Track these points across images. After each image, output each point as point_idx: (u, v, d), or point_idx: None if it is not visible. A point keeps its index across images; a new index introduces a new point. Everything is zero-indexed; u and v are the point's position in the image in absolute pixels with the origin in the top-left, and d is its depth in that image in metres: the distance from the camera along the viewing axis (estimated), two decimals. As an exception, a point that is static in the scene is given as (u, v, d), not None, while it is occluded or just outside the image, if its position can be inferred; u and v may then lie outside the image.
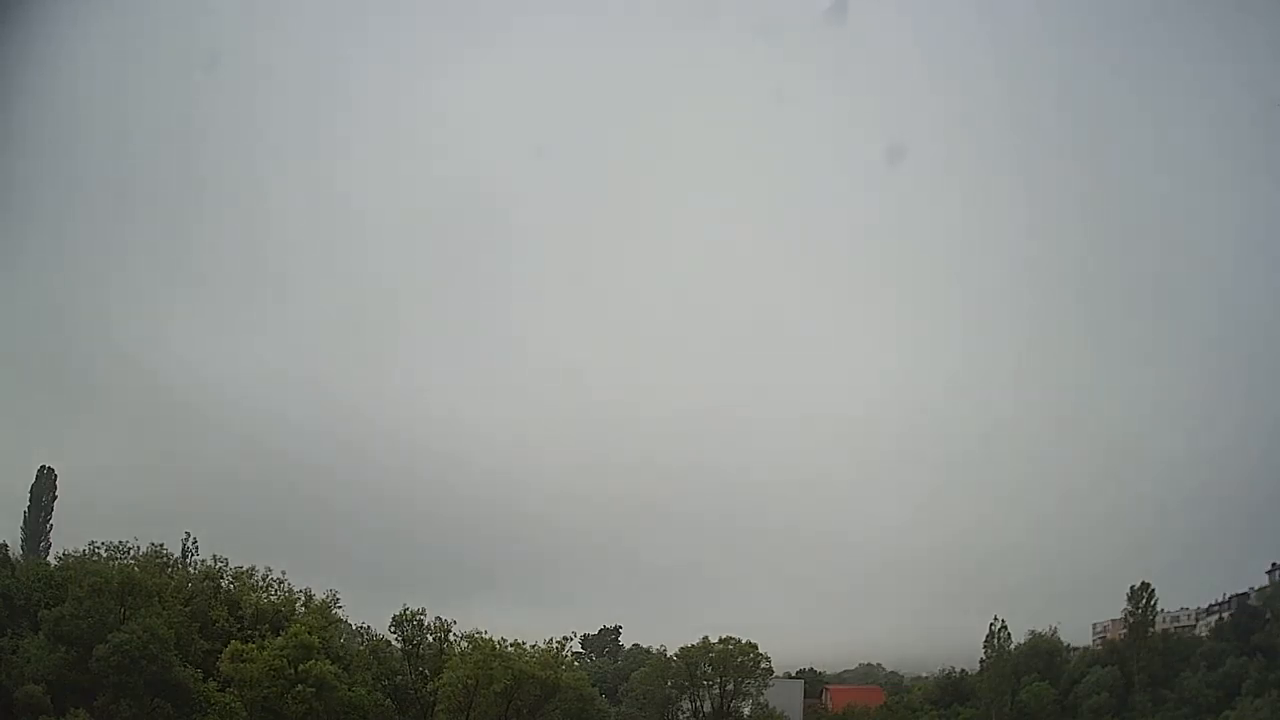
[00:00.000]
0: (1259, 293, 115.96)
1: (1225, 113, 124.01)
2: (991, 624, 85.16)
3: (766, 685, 77.48)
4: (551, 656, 69.78)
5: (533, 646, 69.53)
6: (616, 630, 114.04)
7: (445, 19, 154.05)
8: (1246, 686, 75.29)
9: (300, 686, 59.35)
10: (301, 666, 59.87)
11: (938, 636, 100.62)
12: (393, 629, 69.98)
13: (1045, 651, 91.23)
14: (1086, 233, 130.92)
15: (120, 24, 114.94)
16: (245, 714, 59.81)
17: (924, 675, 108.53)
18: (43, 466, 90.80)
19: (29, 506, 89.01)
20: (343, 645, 69.91)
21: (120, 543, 70.27)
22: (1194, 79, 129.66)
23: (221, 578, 71.66)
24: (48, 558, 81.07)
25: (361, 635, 73.73)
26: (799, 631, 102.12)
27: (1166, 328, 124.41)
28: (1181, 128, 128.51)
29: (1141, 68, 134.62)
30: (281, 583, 73.02)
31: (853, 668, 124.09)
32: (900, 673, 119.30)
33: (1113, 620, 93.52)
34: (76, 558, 70.05)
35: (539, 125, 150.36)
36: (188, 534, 78.15)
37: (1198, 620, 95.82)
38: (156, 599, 62.66)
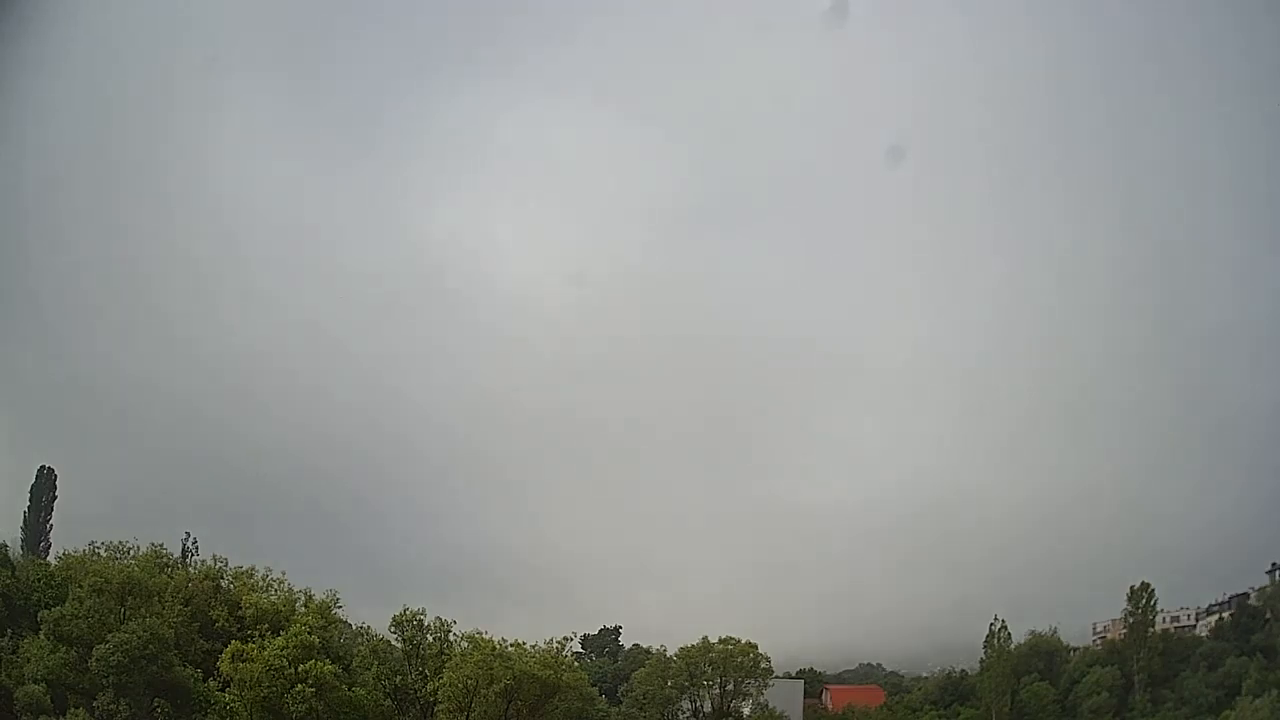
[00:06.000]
0: (1259, 292, 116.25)
1: (1237, 109, 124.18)
2: (991, 624, 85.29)
3: (766, 685, 77.19)
4: (552, 656, 69.53)
5: (533, 646, 69.31)
6: (616, 630, 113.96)
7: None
8: (1246, 686, 75.20)
9: (300, 686, 59.05)
10: (302, 666, 59.60)
11: (938, 636, 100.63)
12: (393, 629, 69.73)
13: (1045, 651, 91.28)
14: (1094, 226, 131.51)
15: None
16: (245, 714, 59.68)
17: (924, 675, 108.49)
18: (42, 466, 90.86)
19: (29, 506, 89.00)
20: (343, 645, 69.76)
21: (120, 543, 70.30)
22: (1202, 73, 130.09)
23: (221, 578, 71.45)
24: (48, 558, 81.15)
25: (362, 635, 73.58)
26: (799, 631, 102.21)
27: (1165, 330, 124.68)
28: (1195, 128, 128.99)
29: (1144, 63, 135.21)
30: (281, 583, 72.93)
31: (853, 668, 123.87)
32: (900, 673, 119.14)
33: (1113, 620, 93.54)
34: (76, 558, 70.01)
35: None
36: (188, 534, 78.56)
37: (1198, 620, 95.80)
38: (156, 599, 62.59)
